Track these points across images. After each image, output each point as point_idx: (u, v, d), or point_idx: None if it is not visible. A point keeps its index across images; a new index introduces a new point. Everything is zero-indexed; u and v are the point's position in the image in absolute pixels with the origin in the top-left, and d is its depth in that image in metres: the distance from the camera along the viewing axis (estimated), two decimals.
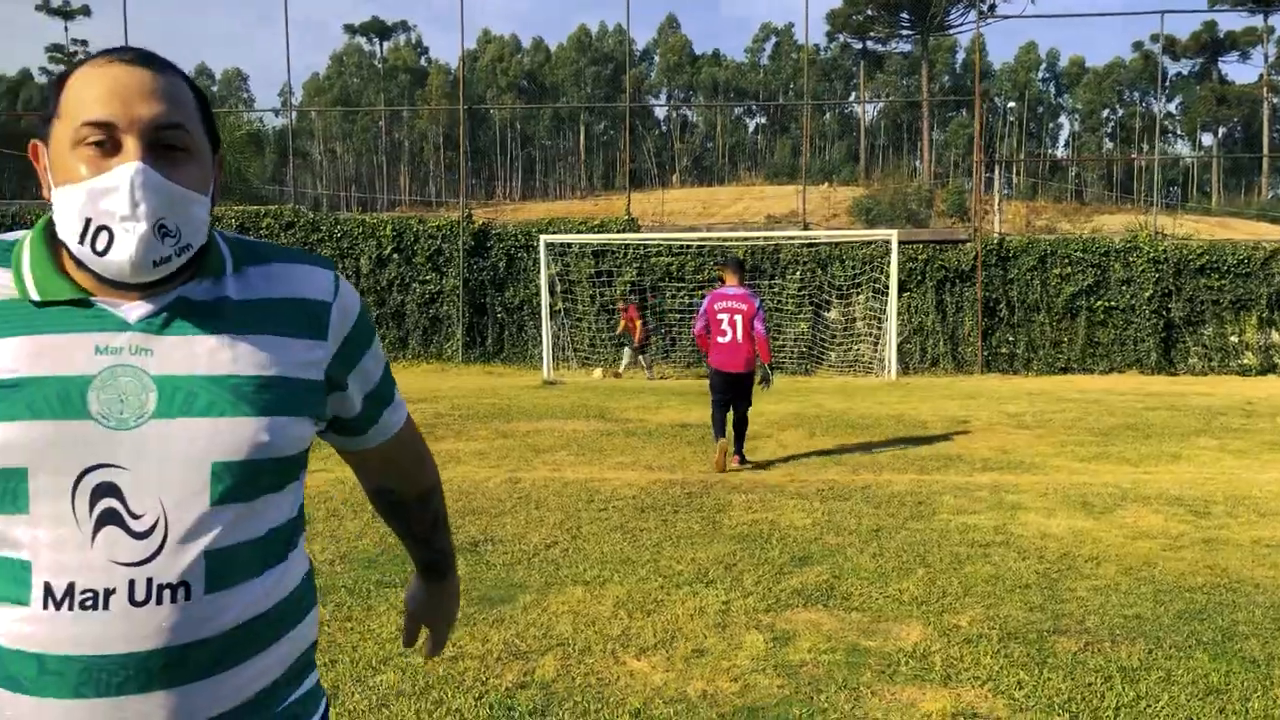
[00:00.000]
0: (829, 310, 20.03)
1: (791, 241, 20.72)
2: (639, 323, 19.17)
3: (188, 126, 1.25)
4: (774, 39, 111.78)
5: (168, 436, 1.22)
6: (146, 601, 1.20)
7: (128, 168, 1.19)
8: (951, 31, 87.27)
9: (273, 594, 1.32)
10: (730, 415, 9.10)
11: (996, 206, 35.04)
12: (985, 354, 19.88)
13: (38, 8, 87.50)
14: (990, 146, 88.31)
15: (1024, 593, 5.14)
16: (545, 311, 18.64)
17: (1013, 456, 9.36)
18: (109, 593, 1.19)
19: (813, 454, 9.56)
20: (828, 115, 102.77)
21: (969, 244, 20.44)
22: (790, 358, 19.79)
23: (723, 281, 9.46)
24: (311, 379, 1.35)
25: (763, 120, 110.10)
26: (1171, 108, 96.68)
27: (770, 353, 9.40)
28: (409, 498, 1.66)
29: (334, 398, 1.43)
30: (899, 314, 18.94)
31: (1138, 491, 7.69)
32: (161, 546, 1.21)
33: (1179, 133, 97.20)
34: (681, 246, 20.70)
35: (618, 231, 20.80)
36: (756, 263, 20.12)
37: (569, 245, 20.29)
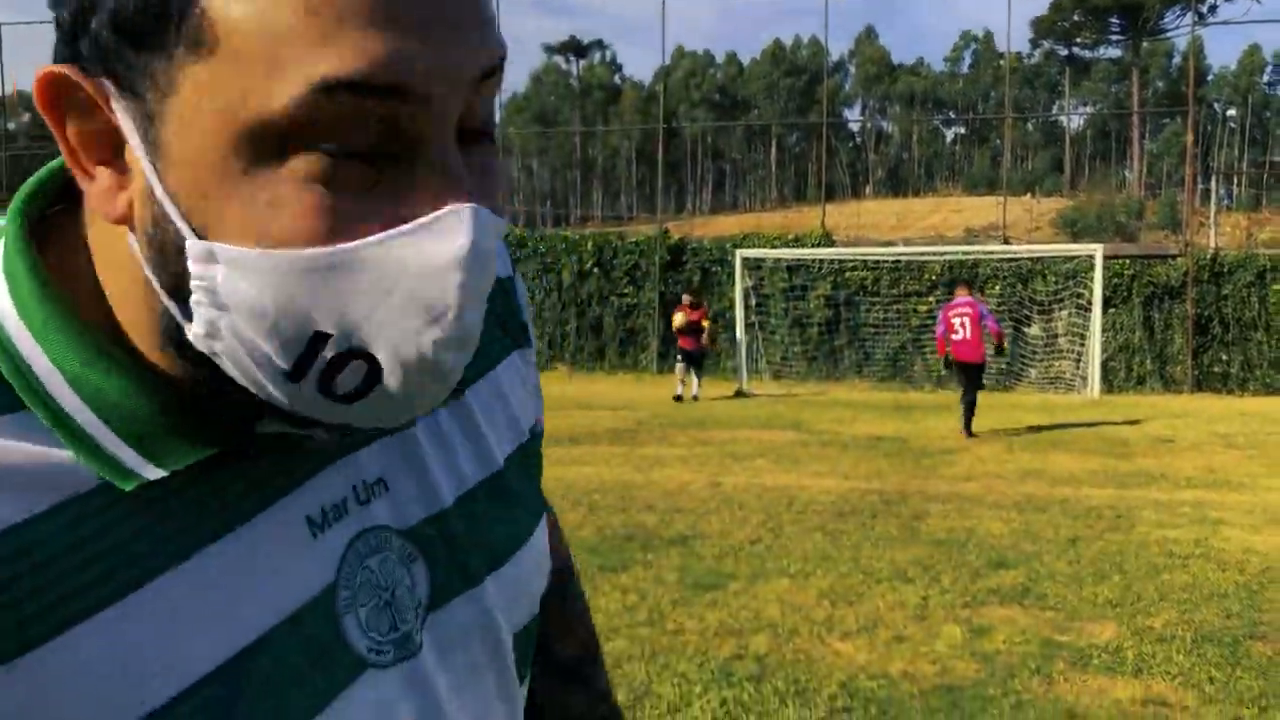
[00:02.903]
0: (1030, 325, 19.73)
1: (991, 256, 20.53)
2: (706, 325, 16.93)
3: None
4: (974, 46, 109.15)
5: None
6: None
7: (459, 223, 0.48)
8: (1166, 35, 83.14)
9: None
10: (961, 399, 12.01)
11: (1212, 219, 33.41)
12: (1196, 373, 19.15)
13: None
14: (1207, 155, 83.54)
15: (1221, 601, 5.28)
16: (740, 325, 19.12)
17: (1220, 475, 9.24)
18: None
19: (1010, 468, 9.68)
20: (1030, 124, 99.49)
21: (1180, 259, 19.74)
22: (989, 373, 19.54)
23: (957, 293, 12.54)
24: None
25: (961, 130, 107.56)
26: None
27: (1003, 336, 12.87)
28: None
29: None
30: (1103, 331, 18.49)
31: None
32: None
33: None
34: (876, 261, 20.82)
35: (812, 246, 21.11)
36: (954, 277, 20.01)
37: (763, 260, 20.72)
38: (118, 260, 0.53)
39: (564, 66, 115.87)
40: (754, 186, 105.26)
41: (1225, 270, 19.28)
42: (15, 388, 0.51)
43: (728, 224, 48.48)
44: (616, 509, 7.46)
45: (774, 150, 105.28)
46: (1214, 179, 42.37)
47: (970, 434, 11.67)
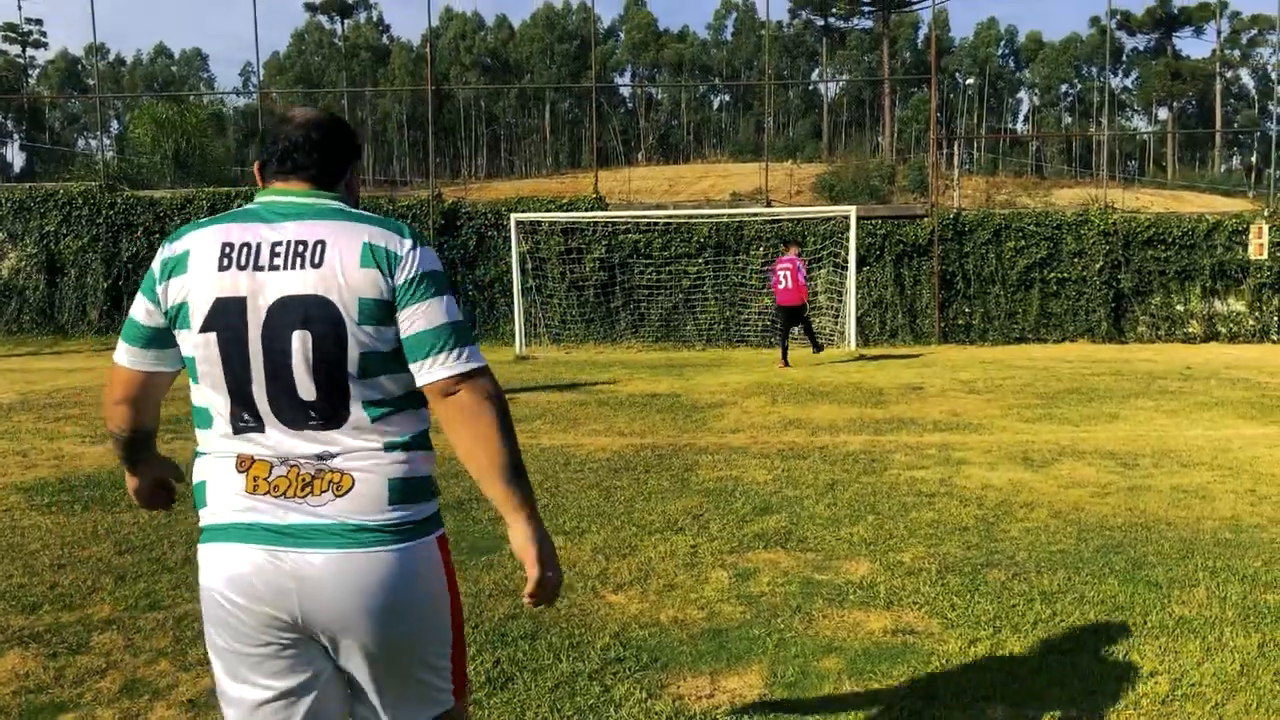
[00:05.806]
0: None
1: (755, 218, 21.24)
2: None
3: None
4: (735, 15, 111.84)
5: None
6: None
7: None
8: (913, 8, 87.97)
9: None
10: (791, 340, 15.76)
11: (955, 181, 35.74)
12: (942, 325, 20.53)
13: None
14: (950, 122, 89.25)
15: (963, 534, 5.70)
16: (517, 289, 19.03)
17: (962, 419, 9.95)
18: None
19: (774, 419, 10.09)
20: (791, 92, 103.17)
21: (926, 219, 21.04)
22: (754, 331, 20.35)
23: (785, 251, 16.04)
24: None
25: (727, 98, 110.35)
26: (1128, 83, 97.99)
27: (806, 292, 15.81)
28: None
29: None
30: (858, 288, 19.52)
31: (1075, 448, 8.29)
32: None
33: (1135, 107, 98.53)
34: (648, 224, 21.16)
35: (586, 210, 21.22)
36: (721, 239, 20.63)
37: (539, 223, 20.68)
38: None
39: (327, 25, 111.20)
40: (529, 152, 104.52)
41: (967, 229, 20.71)
42: None
43: (504, 189, 47.98)
44: None
45: (548, 116, 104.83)
46: (956, 144, 45.27)
47: (819, 349, 15.89)
